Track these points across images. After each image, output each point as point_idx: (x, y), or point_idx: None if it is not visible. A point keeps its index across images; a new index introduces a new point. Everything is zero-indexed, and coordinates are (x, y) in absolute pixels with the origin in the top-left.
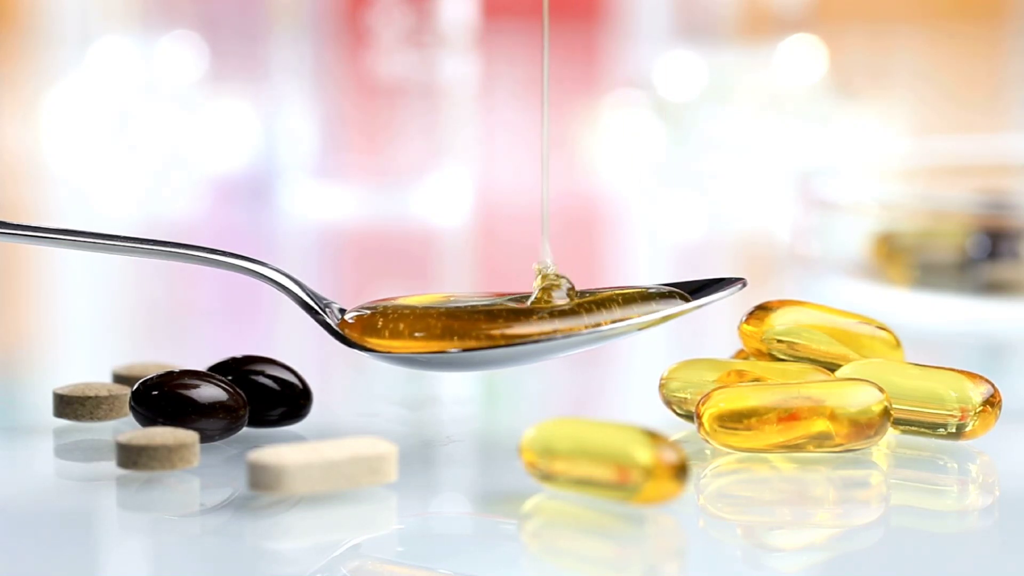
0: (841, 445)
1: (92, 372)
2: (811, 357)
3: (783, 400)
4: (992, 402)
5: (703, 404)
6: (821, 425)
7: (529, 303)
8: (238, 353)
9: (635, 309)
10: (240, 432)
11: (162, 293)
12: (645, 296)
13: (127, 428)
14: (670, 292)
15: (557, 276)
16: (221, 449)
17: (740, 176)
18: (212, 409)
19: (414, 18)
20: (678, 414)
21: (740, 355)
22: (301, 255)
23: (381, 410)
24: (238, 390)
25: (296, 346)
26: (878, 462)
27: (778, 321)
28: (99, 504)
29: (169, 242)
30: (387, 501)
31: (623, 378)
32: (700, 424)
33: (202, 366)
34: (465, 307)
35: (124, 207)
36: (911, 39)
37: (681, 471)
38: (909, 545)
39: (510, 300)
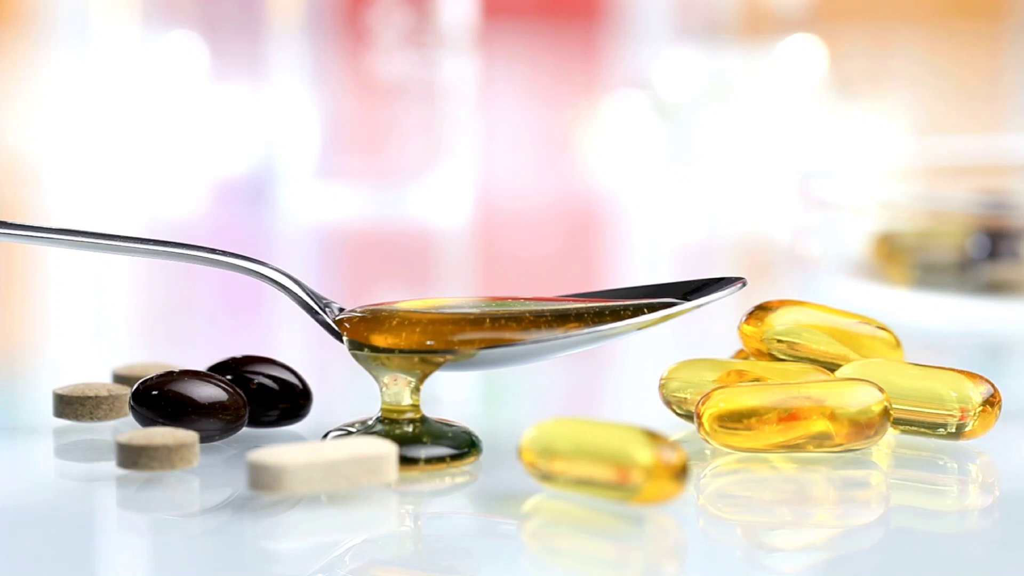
0: (841, 445)
1: (92, 372)
2: (811, 357)
3: (783, 400)
4: (992, 402)
5: (703, 404)
6: (821, 425)
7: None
8: (238, 353)
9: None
10: (240, 432)
11: (162, 293)
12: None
13: (127, 428)
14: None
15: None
16: (221, 449)
17: (740, 176)
18: (212, 409)
19: (414, 18)
20: (678, 414)
21: (740, 355)
22: (301, 255)
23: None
24: (238, 390)
25: (296, 346)
26: (878, 462)
27: (778, 321)
28: (99, 504)
29: (169, 242)
30: (387, 501)
31: (623, 378)
32: (700, 424)
33: (202, 366)
34: (462, 311)
35: (124, 207)
36: (911, 39)
37: (681, 471)
38: (909, 545)
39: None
